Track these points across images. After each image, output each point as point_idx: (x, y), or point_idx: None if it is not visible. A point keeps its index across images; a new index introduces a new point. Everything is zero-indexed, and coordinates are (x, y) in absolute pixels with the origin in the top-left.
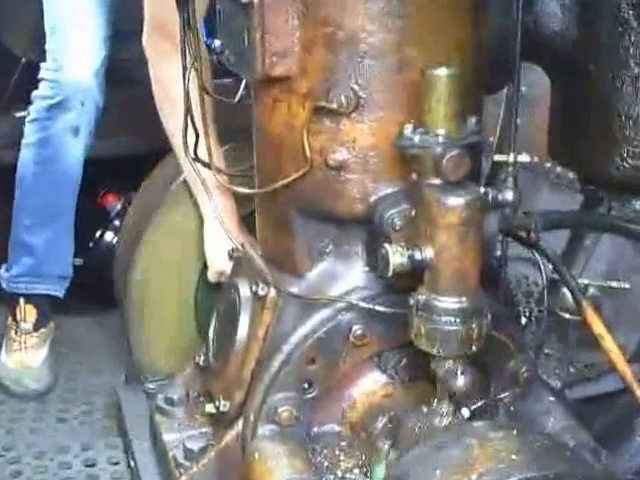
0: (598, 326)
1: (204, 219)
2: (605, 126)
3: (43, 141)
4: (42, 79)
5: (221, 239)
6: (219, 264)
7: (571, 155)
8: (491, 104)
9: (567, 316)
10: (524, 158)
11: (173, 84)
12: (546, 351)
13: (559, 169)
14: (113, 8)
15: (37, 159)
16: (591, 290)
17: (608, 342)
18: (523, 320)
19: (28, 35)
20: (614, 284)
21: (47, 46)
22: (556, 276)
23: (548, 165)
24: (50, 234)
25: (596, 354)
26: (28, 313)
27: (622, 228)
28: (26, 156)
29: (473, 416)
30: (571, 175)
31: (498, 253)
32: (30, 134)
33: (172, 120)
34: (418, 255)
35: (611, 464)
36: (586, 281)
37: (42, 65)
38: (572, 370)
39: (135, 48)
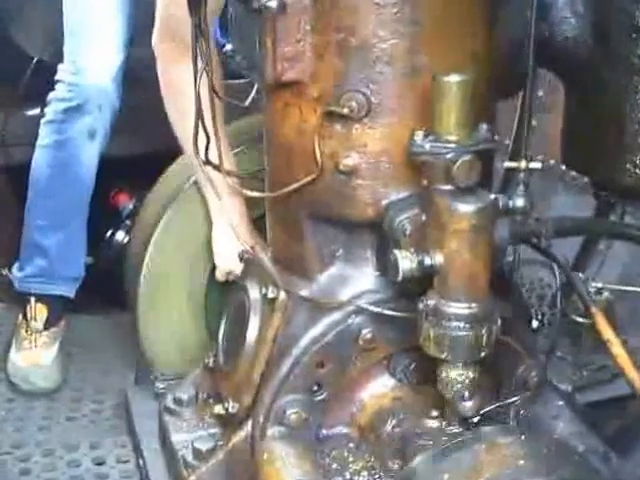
0: (607, 331)
1: (212, 219)
2: (618, 133)
3: (59, 144)
4: (59, 81)
5: (229, 239)
6: (227, 264)
7: (584, 161)
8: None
9: (580, 319)
10: (536, 165)
11: (182, 88)
12: (558, 354)
13: (573, 172)
14: (132, 12)
15: (52, 161)
16: (605, 294)
17: (617, 347)
18: (535, 323)
19: (41, 35)
20: (628, 288)
21: (65, 48)
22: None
23: (563, 168)
24: (63, 236)
25: (608, 357)
26: (39, 312)
27: (634, 236)
28: (41, 158)
29: (482, 420)
30: (585, 179)
31: (510, 259)
32: (45, 136)
33: (180, 123)
34: (428, 260)
35: (621, 469)
36: (600, 285)
37: (59, 67)
38: (585, 373)
39: (147, 48)
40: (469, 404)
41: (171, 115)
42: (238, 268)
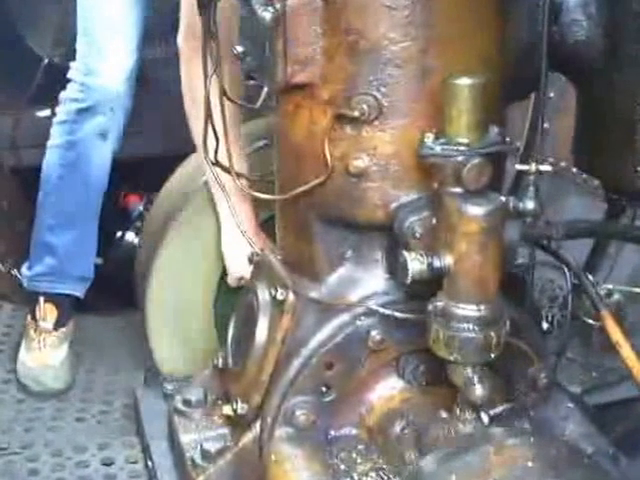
0: (616, 333)
1: (222, 223)
2: (629, 135)
3: (70, 144)
4: (71, 80)
5: (239, 243)
6: (238, 269)
7: (596, 164)
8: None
9: (590, 321)
10: (546, 167)
11: (202, 87)
12: (569, 356)
13: (584, 175)
14: (145, 13)
15: (63, 162)
16: (615, 296)
17: (626, 350)
18: (546, 325)
19: (52, 36)
20: (638, 290)
21: (77, 47)
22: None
23: (574, 171)
24: (73, 235)
25: (618, 359)
26: (48, 312)
27: None
28: (52, 158)
29: (492, 422)
30: (596, 182)
31: (521, 260)
32: (57, 136)
33: (199, 123)
34: (437, 263)
35: (630, 470)
36: (610, 287)
37: (71, 65)
38: (594, 375)
39: (159, 49)
40: (479, 388)
41: (189, 113)
42: (249, 273)
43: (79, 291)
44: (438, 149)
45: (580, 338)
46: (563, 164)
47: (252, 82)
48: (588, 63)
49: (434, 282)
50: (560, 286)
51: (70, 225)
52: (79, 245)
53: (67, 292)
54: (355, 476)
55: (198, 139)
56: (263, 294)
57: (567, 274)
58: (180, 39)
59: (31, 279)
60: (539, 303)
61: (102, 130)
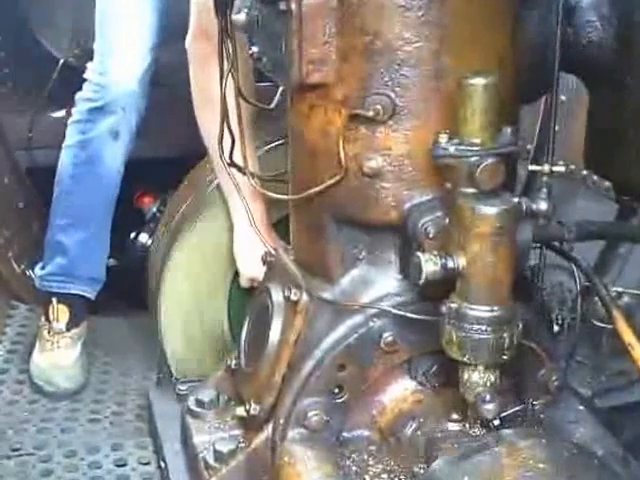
0: (628, 335)
1: (234, 225)
2: None
3: (82, 143)
4: (86, 80)
5: (251, 245)
6: (250, 270)
7: (607, 165)
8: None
9: (599, 324)
10: (559, 168)
11: (213, 88)
12: (578, 359)
13: (595, 177)
14: (162, 15)
15: (76, 161)
16: (625, 298)
17: (638, 351)
18: (556, 328)
19: (68, 37)
20: None
21: (95, 48)
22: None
23: (585, 173)
24: (84, 235)
25: (628, 362)
26: (61, 313)
27: None
28: (66, 158)
29: (503, 424)
30: (607, 184)
31: (532, 262)
32: (71, 136)
33: (208, 124)
34: (450, 263)
35: None
36: (620, 289)
37: (88, 65)
38: (604, 378)
39: (173, 51)
40: (490, 406)
41: (199, 115)
42: (261, 274)
43: (90, 292)
44: (452, 149)
45: (589, 341)
46: (573, 167)
47: (264, 84)
48: (601, 64)
49: (447, 283)
50: (569, 289)
51: (82, 225)
52: (90, 246)
53: (78, 292)
54: (367, 478)
55: (208, 140)
56: (276, 294)
57: (577, 276)
58: (189, 40)
59: (42, 279)
60: (549, 306)
61: (114, 129)
